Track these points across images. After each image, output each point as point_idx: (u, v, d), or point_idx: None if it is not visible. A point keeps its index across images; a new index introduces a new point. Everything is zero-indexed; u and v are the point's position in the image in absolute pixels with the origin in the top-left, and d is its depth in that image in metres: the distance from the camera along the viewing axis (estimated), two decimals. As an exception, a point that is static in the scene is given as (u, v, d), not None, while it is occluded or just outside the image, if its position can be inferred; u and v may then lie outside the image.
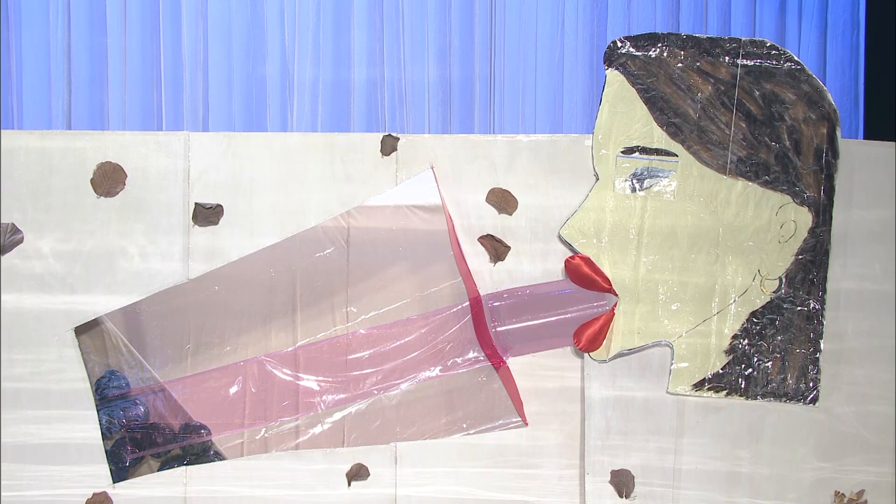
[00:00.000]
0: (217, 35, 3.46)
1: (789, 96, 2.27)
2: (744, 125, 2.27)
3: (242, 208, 2.29)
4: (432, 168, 2.31)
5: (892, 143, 2.40)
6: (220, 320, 2.35)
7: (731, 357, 2.32)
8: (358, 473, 2.34)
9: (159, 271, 2.27)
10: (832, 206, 2.30)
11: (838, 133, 2.29)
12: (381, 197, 2.32)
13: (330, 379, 2.36)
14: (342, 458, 2.35)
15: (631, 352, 2.31)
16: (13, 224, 2.25)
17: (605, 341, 2.29)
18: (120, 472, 2.29)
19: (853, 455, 2.38)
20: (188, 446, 2.33)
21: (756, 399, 2.33)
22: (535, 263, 2.33)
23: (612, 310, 2.29)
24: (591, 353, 2.30)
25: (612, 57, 2.28)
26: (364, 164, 2.31)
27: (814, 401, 2.33)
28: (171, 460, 2.32)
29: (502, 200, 2.32)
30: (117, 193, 2.27)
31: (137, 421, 2.31)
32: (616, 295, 2.29)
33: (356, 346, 2.36)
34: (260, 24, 3.47)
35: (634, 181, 2.29)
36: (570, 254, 2.30)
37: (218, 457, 2.33)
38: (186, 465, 2.31)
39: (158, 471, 2.31)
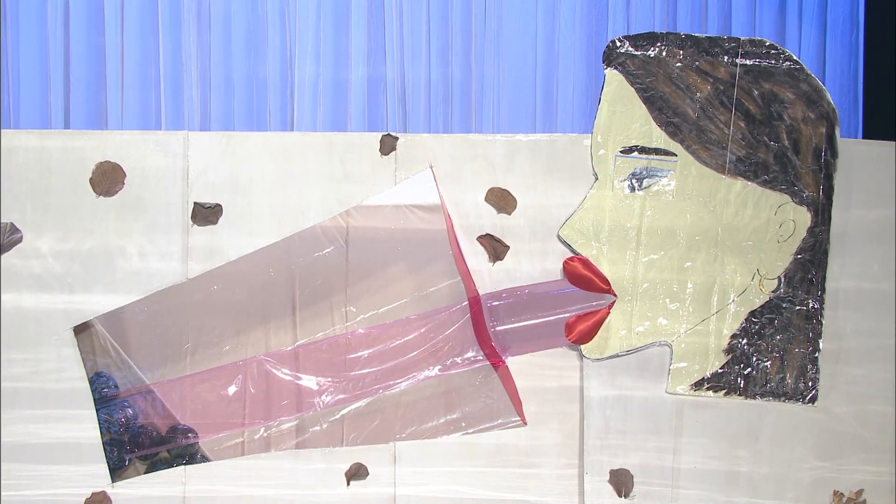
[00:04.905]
0: (217, 34, 3.46)
1: (788, 96, 2.27)
2: (743, 124, 2.27)
3: (241, 208, 2.29)
4: (431, 167, 2.31)
5: (891, 143, 2.40)
6: (219, 320, 2.35)
7: (729, 356, 2.32)
8: (357, 473, 2.34)
9: (158, 271, 2.27)
10: (831, 205, 2.30)
11: (837, 132, 2.29)
12: (380, 196, 2.32)
13: (329, 378, 2.36)
14: (341, 458, 2.35)
15: (630, 352, 2.32)
16: (12, 224, 2.25)
17: (598, 339, 2.29)
18: (114, 473, 2.29)
19: (852, 454, 2.38)
20: (175, 449, 2.32)
21: (755, 398, 2.33)
22: (533, 263, 2.33)
23: (608, 308, 2.30)
24: (585, 352, 2.30)
25: (610, 56, 2.28)
26: (363, 164, 2.31)
27: (812, 400, 2.33)
28: (157, 463, 2.32)
29: (501, 200, 2.32)
30: (116, 193, 2.26)
31: (126, 423, 2.31)
32: (614, 295, 2.29)
33: (355, 345, 2.36)
34: (260, 23, 3.47)
35: (633, 181, 2.29)
36: (570, 254, 2.30)
37: (205, 460, 2.33)
38: (186, 464, 2.31)
39: (145, 473, 2.31)
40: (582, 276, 2.28)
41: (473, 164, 2.32)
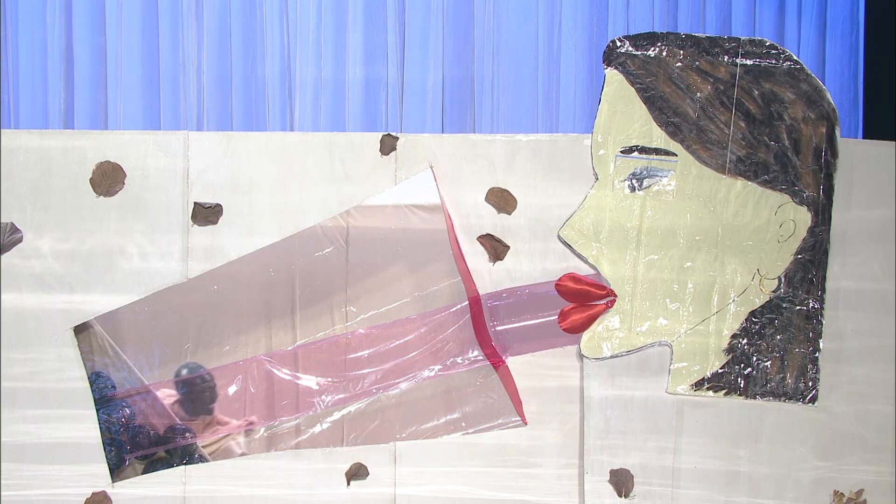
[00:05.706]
0: (216, 34, 3.46)
1: (788, 95, 2.27)
2: (743, 124, 2.27)
3: (241, 208, 2.29)
4: (431, 167, 2.31)
5: (891, 143, 2.40)
6: (219, 320, 2.35)
7: (730, 356, 2.32)
8: (357, 473, 2.34)
9: (158, 271, 2.27)
10: (831, 205, 2.30)
11: (837, 132, 2.29)
12: (381, 196, 2.32)
13: (329, 378, 2.36)
14: (341, 458, 2.35)
15: (630, 352, 2.32)
16: (12, 223, 2.25)
17: (593, 336, 2.29)
18: (114, 473, 2.29)
19: (852, 454, 2.38)
20: (172, 449, 2.32)
21: (755, 398, 2.33)
22: (534, 263, 2.33)
23: (606, 304, 2.29)
24: (585, 352, 2.30)
25: (611, 56, 2.28)
26: (363, 164, 2.31)
27: (813, 400, 2.33)
28: (155, 463, 2.32)
29: (501, 200, 2.32)
30: (116, 193, 2.27)
31: (125, 423, 2.31)
32: (614, 295, 2.29)
33: (355, 345, 2.36)
34: (259, 23, 3.47)
35: (633, 181, 2.29)
36: (570, 254, 2.30)
37: (202, 460, 2.33)
38: (185, 464, 2.31)
39: (142, 473, 2.31)
40: (576, 292, 2.29)
41: (473, 164, 2.32)
